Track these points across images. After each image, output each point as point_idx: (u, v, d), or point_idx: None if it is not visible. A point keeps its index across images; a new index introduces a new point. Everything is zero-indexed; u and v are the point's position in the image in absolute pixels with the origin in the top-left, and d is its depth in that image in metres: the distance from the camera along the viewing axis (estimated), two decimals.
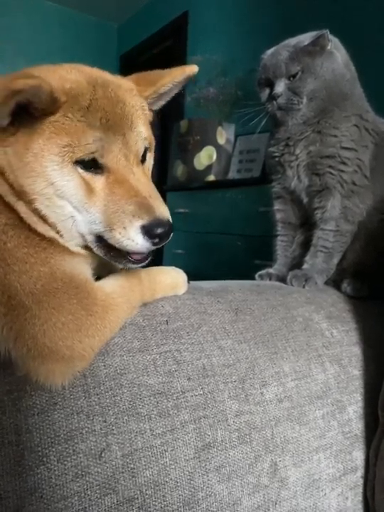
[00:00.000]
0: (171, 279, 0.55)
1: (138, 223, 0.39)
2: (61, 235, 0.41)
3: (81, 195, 0.39)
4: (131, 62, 3.81)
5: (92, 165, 0.39)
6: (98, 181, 0.40)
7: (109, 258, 0.43)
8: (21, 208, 0.40)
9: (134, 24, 3.73)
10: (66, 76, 0.40)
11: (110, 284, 0.45)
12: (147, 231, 0.40)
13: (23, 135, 0.38)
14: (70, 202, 0.40)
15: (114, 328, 0.44)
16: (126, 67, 3.84)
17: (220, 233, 2.09)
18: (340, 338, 0.64)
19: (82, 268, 0.42)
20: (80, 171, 0.39)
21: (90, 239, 0.42)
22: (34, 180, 0.38)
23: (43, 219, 0.40)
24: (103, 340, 0.42)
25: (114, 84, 0.42)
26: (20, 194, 0.39)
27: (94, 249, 0.43)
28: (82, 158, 0.39)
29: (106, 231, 0.40)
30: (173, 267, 0.56)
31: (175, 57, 3.14)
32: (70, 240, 0.42)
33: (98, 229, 0.40)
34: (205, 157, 2.37)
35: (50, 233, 0.41)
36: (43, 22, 3.43)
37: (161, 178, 3.84)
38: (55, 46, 3.36)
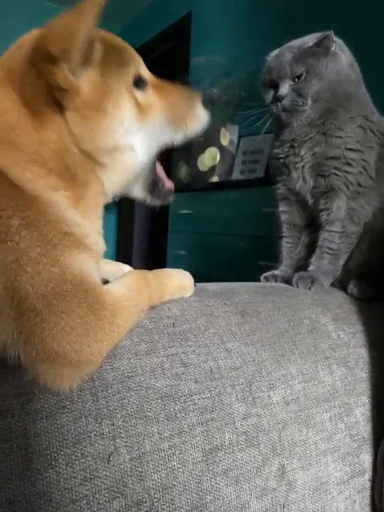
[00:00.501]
0: (178, 281, 0.55)
1: (199, 102, 0.49)
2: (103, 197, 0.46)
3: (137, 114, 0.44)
4: None
5: (140, 82, 0.45)
6: (149, 94, 0.46)
7: (150, 193, 0.50)
8: (55, 197, 0.41)
9: (137, 25, 3.74)
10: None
11: (118, 288, 0.45)
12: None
13: (90, 89, 0.41)
14: (130, 128, 0.44)
15: (122, 332, 0.44)
16: None
17: (224, 234, 2.10)
18: (347, 340, 0.64)
19: (91, 269, 0.42)
20: (134, 90, 0.44)
21: (151, 156, 0.47)
22: (105, 129, 0.42)
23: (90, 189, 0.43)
24: (111, 345, 0.42)
25: None
26: (64, 161, 0.41)
27: (142, 189, 0.50)
28: (137, 78, 0.45)
29: (173, 131, 0.46)
30: (180, 270, 0.56)
31: (178, 59, 3.15)
32: (117, 188, 0.47)
33: (165, 137, 0.46)
34: (209, 158, 2.37)
35: (77, 218, 0.42)
36: (45, 23, 3.44)
37: None
38: None
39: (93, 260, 0.43)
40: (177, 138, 0.47)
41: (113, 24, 3.90)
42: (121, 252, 3.97)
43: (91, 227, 0.44)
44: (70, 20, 0.38)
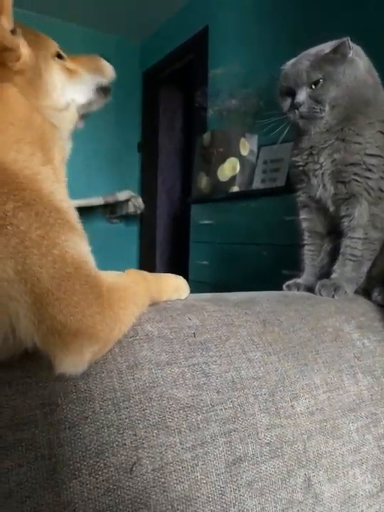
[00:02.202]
0: (174, 282, 0.58)
1: (100, 57, 0.64)
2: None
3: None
4: (154, 78, 3.89)
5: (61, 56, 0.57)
6: (69, 63, 0.58)
7: (104, 97, 0.63)
8: (45, 172, 0.44)
9: (156, 41, 3.81)
10: None
11: (115, 277, 0.48)
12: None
13: (27, 53, 0.50)
14: (64, 86, 0.55)
15: (121, 307, 0.45)
16: (149, 83, 3.92)
17: (246, 244, 2.09)
18: (373, 349, 0.62)
19: (86, 253, 0.44)
20: (59, 61, 0.56)
21: (90, 98, 0.60)
22: (46, 90, 0.52)
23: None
24: (112, 317, 0.43)
25: None
26: (36, 128, 0.47)
27: (97, 101, 0.62)
28: (57, 53, 0.56)
29: (99, 77, 0.61)
30: (173, 274, 0.59)
31: (197, 71, 3.18)
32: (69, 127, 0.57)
33: (96, 81, 0.61)
34: (229, 168, 2.37)
35: (61, 190, 0.46)
36: (67, 43, 3.52)
37: (185, 191, 3.88)
38: None
39: (85, 242, 0.45)
40: (104, 81, 0.62)
41: (133, 42, 3.99)
42: (144, 263, 4.00)
43: (66, 195, 0.48)
44: None
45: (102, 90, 0.62)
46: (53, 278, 0.39)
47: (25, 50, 0.50)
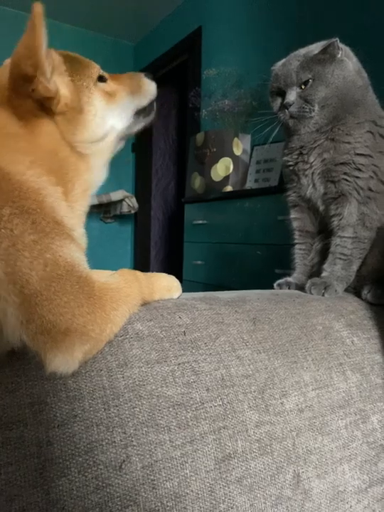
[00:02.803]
0: (167, 282, 0.58)
1: (143, 76, 0.62)
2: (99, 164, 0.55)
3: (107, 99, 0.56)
4: None
5: (102, 78, 0.56)
6: (111, 84, 0.57)
7: (144, 118, 0.61)
8: (53, 189, 0.46)
9: (150, 42, 3.81)
10: None
11: (107, 278, 0.48)
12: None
13: (68, 92, 0.50)
14: (103, 115, 0.55)
15: (113, 308, 0.45)
16: None
17: (240, 243, 2.09)
18: (362, 346, 0.63)
19: (81, 260, 0.45)
20: (100, 85, 0.55)
21: (130, 122, 0.59)
22: (85, 123, 0.52)
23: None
24: (103, 318, 0.43)
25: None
26: (58, 160, 0.49)
27: (136, 124, 0.60)
28: (100, 75, 0.56)
29: (138, 99, 0.60)
30: (167, 274, 0.59)
31: (190, 72, 3.19)
32: (108, 154, 0.57)
33: (135, 103, 0.59)
34: (222, 168, 2.38)
35: (68, 210, 0.47)
36: (61, 44, 3.50)
37: (179, 191, 3.89)
38: None
39: (81, 252, 0.47)
40: (143, 101, 0.60)
41: (126, 43, 3.99)
42: (139, 263, 4.00)
43: (77, 218, 0.50)
44: (26, 41, 0.45)
45: (142, 111, 0.61)
46: (43, 279, 0.39)
47: (68, 90, 0.50)
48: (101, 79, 0.56)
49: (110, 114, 0.56)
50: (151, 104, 0.62)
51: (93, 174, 0.55)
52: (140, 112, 0.60)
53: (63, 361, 0.40)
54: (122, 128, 0.58)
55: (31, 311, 0.39)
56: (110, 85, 0.57)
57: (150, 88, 0.61)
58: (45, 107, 0.49)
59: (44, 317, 0.39)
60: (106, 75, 0.57)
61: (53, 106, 0.49)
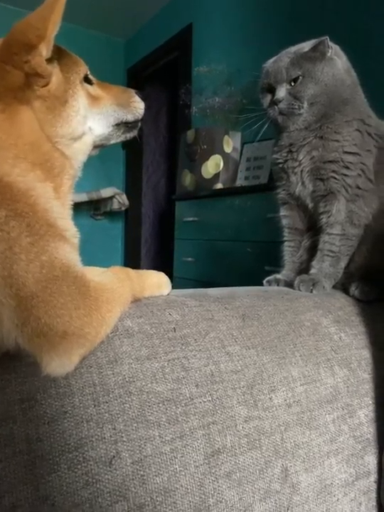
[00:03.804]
0: (157, 279, 0.59)
1: (134, 93, 0.61)
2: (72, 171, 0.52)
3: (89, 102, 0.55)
4: (138, 75, 3.87)
5: (88, 79, 0.55)
6: (96, 89, 0.56)
7: (125, 132, 0.60)
8: (43, 188, 0.45)
9: (141, 38, 3.79)
10: None
11: (101, 277, 0.48)
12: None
13: (56, 81, 0.49)
14: (85, 115, 0.53)
15: (108, 314, 0.45)
16: (133, 80, 3.90)
17: (230, 240, 2.10)
18: (349, 342, 0.64)
19: (75, 260, 0.45)
20: (86, 86, 0.54)
21: (109, 131, 0.58)
22: (66, 117, 0.50)
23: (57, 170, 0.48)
24: (99, 320, 0.43)
25: None
26: (42, 154, 0.47)
27: (115, 135, 0.59)
28: (86, 75, 0.54)
29: (123, 112, 0.58)
30: (157, 271, 0.59)
31: (181, 69, 3.18)
32: (81, 161, 0.55)
33: (119, 115, 0.58)
34: (213, 166, 2.38)
35: (60, 209, 0.46)
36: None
37: (170, 188, 3.88)
38: None
39: (75, 252, 0.47)
40: (128, 117, 0.59)
41: (117, 39, 3.97)
42: (129, 260, 3.99)
43: (67, 216, 0.49)
44: (42, 12, 0.45)
45: (125, 126, 0.60)
46: (39, 281, 0.39)
47: (55, 78, 0.49)
48: (87, 79, 0.55)
49: (91, 116, 0.55)
50: (136, 121, 0.61)
51: (76, 172, 0.54)
52: (122, 126, 0.60)
53: (60, 364, 0.40)
54: (100, 134, 0.57)
55: (27, 313, 0.38)
56: (96, 90, 0.56)
57: (138, 106, 0.61)
58: (29, 85, 0.47)
59: (40, 319, 0.39)
60: (94, 79, 0.57)
61: (39, 83, 0.47)
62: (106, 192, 3.50)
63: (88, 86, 0.55)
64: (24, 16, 0.45)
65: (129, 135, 0.62)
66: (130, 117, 0.60)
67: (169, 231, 2.80)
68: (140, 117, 0.61)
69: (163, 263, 3.82)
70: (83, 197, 3.34)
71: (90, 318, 0.42)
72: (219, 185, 2.35)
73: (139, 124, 0.62)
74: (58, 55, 0.51)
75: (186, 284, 2.23)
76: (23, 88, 0.46)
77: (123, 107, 0.59)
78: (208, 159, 2.40)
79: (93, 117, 0.55)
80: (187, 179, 2.53)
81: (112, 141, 0.60)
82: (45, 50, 0.46)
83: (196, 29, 3.04)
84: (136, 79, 3.89)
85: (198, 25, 3.01)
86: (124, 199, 3.63)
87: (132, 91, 0.61)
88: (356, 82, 0.80)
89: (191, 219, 2.35)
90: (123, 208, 3.69)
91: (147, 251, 4.10)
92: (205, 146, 2.42)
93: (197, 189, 2.44)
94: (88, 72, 0.55)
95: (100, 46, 3.78)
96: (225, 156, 2.38)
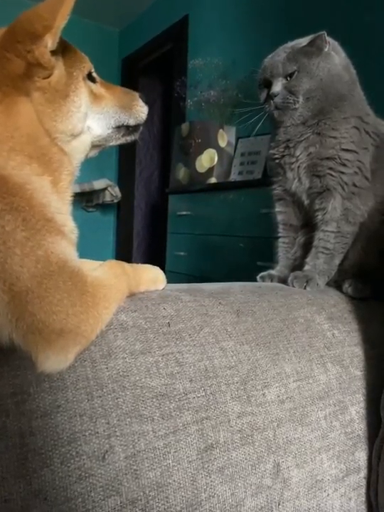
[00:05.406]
0: (153, 274, 0.58)
1: (138, 96, 0.60)
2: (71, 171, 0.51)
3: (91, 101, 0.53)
4: (132, 66, 3.83)
5: (92, 77, 0.54)
6: (99, 87, 0.55)
7: (125, 135, 0.59)
8: (40, 182, 0.44)
9: (136, 29, 3.75)
10: None
11: (98, 272, 0.48)
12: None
13: (59, 74, 0.48)
14: (85, 112, 0.52)
15: (105, 310, 0.45)
16: (128, 70, 3.86)
17: (223, 235, 2.10)
18: (342, 339, 0.64)
19: (72, 255, 0.44)
20: (89, 83, 0.53)
21: (108, 132, 0.56)
22: (67, 112, 0.49)
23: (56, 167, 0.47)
24: (96, 319, 0.43)
25: None
26: (40, 147, 0.46)
27: (115, 138, 0.58)
28: (90, 72, 0.53)
29: (125, 115, 0.57)
30: (152, 265, 0.59)
31: (176, 61, 3.16)
32: (78, 161, 0.54)
33: (120, 118, 0.57)
34: (207, 160, 2.37)
35: (58, 204, 0.45)
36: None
37: (164, 182, 3.86)
38: None
39: (73, 247, 0.46)
40: (130, 121, 0.58)
41: (112, 29, 3.92)
42: (121, 253, 3.97)
43: (66, 211, 0.48)
44: (52, 3, 0.44)
45: (126, 129, 0.58)
46: (34, 276, 0.39)
47: (58, 71, 0.48)
48: (91, 77, 0.54)
49: (91, 115, 0.54)
50: (137, 125, 0.60)
51: (75, 168, 0.53)
52: (123, 129, 0.58)
53: (56, 362, 0.40)
54: (99, 134, 0.56)
55: (21, 309, 0.38)
56: (99, 89, 0.55)
57: (141, 110, 0.59)
58: (29, 75, 0.45)
59: (35, 315, 0.38)
60: (98, 78, 0.55)
61: (41, 75, 0.46)
62: (98, 184, 3.47)
63: (91, 84, 0.54)
64: (30, 7, 0.44)
65: (130, 138, 0.60)
66: (132, 121, 0.58)
67: (162, 224, 2.79)
68: (142, 121, 0.60)
69: (155, 256, 3.81)
70: (75, 188, 3.30)
71: (87, 315, 0.41)
72: (213, 180, 2.34)
73: (141, 127, 0.61)
74: (64, 49, 0.50)
75: (178, 278, 2.22)
76: (23, 78, 0.45)
77: (125, 109, 0.57)
78: (202, 153, 2.39)
79: (93, 116, 0.54)
80: (181, 173, 2.52)
81: (112, 143, 0.59)
82: (50, 42, 0.45)
83: (192, 21, 3.01)
84: (130, 70, 3.85)
85: (194, 17, 2.99)
86: (116, 191, 3.60)
87: (136, 94, 0.60)
88: (355, 79, 0.79)
89: (184, 213, 2.34)
90: (115, 201, 3.67)
91: (139, 244, 4.09)
92: (199, 140, 2.41)
93: (190, 183, 2.43)
94: (92, 70, 0.54)
95: (94, 35, 3.73)
96: (220, 151, 2.37)
